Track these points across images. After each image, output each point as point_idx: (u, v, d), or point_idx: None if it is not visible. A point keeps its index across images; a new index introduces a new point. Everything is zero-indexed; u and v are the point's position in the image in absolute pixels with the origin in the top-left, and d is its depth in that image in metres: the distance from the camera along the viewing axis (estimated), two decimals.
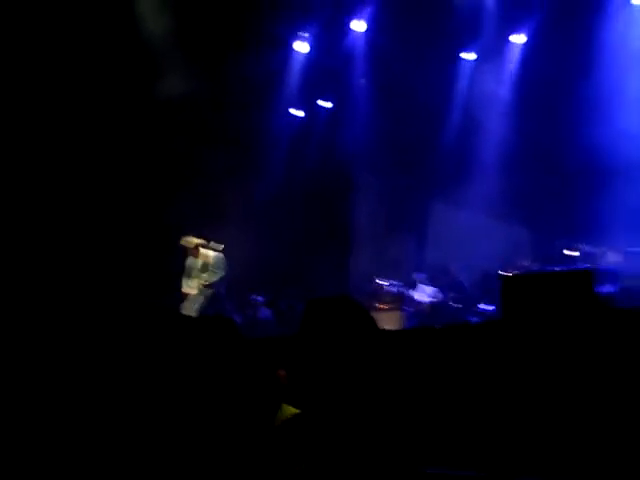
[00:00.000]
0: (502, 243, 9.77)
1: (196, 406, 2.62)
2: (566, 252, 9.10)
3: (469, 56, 11.08)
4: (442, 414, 4.18)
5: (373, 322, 2.23)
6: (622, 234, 8.52)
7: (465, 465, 3.84)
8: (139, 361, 3.16)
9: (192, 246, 8.18)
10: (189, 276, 8.16)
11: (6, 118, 8.00)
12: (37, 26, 8.20)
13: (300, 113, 11.98)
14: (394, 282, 10.39)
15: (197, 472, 2.49)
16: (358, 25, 11.00)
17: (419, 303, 9.83)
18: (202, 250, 8.17)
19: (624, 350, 3.90)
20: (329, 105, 12.14)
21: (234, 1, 9.96)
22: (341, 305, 2.30)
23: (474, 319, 8.77)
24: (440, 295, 9.76)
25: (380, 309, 9.71)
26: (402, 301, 9.85)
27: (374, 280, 10.56)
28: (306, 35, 11.07)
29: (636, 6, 9.73)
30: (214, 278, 8.07)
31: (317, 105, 12.07)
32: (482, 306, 8.91)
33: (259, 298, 10.27)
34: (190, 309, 7.92)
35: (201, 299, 8.07)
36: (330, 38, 11.07)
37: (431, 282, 10.08)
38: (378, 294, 10.19)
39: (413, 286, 10.04)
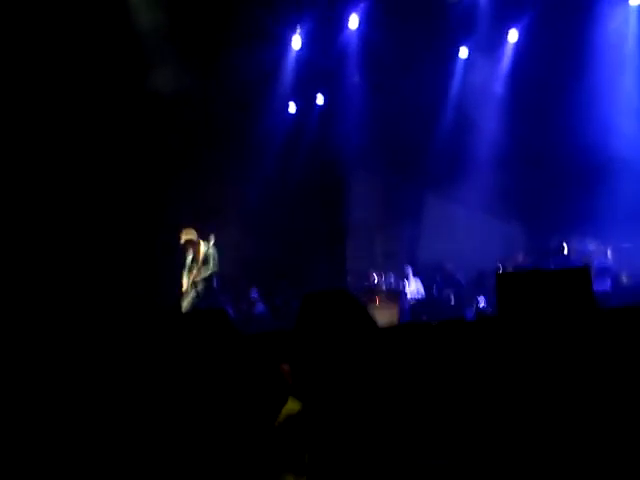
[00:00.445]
0: (496, 239, 9.81)
1: (197, 402, 2.60)
2: (560, 248, 9.15)
3: (462, 54, 11.11)
4: (438, 409, 4.18)
5: (370, 317, 2.22)
6: (615, 230, 8.58)
7: (460, 459, 3.85)
8: (135, 358, 3.14)
9: (183, 241, 8.13)
10: (184, 272, 8.14)
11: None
12: (29, 19, 8.11)
13: (292, 109, 11.96)
14: (389, 277, 10.42)
15: (202, 468, 2.47)
16: (351, 22, 10.98)
17: (414, 298, 9.87)
18: (193, 245, 8.12)
19: (619, 348, 3.92)
20: (322, 102, 12.13)
21: None
22: (338, 299, 2.29)
23: (470, 315, 8.80)
24: (434, 290, 9.80)
25: (376, 304, 9.73)
26: (398, 296, 9.88)
27: (369, 275, 10.58)
28: (299, 31, 11.04)
29: (629, 5, 9.78)
30: (206, 273, 8.03)
31: (310, 102, 12.04)
32: (478, 302, 8.95)
33: (254, 294, 10.24)
34: (183, 305, 7.89)
35: (193, 294, 8.02)
36: (323, 34, 11.05)
37: (426, 278, 10.11)
38: (373, 289, 10.22)
39: (406, 281, 10.07)
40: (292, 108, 11.96)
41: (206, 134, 10.14)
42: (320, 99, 12.12)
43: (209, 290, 8.05)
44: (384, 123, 10.91)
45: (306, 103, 12.00)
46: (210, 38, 9.80)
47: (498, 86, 10.67)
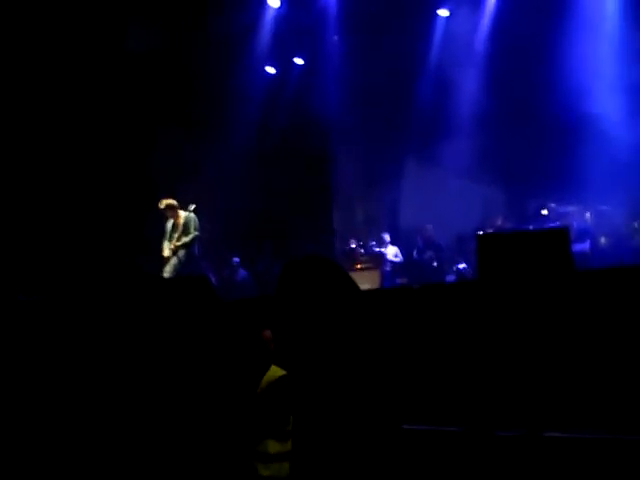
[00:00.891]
0: (476, 202, 9.84)
1: (179, 367, 2.61)
2: (539, 210, 9.23)
3: (443, 12, 10.97)
4: (421, 372, 4.25)
5: (351, 281, 2.22)
6: (594, 193, 8.65)
7: (445, 421, 3.93)
8: (118, 328, 3.12)
9: (163, 206, 8.03)
10: (165, 238, 8.07)
11: None
12: None
13: (272, 70, 11.77)
14: (371, 242, 10.45)
15: (185, 434, 2.49)
16: None
17: (392, 261, 9.94)
18: (174, 211, 8.04)
19: (597, 308, 4.00)
20: (302, 62, 11.95)
21: None
22: (318, 265, 2.29)
23: (451, 278, 8.88)
24: (414, 253, 9.86)
25: (358, 269, 9.78)
26: (380, 260, 9.92)
27: (351, 240, 10.61)
28: None
29: None
30: (186, 239, 7.96)
31: (289, 61, 11.85)
32: (458, 265, 9.02)
33: (236, 259, 10.20)
34: (165, 271, 7.84)
35: (174, 261, 7.97)
36: None
37: (406, 241, 10.16)
38: (356, 254, 10.25)
39: (385, 245, 10.12)
40: (271, 69, 11.77)
41: (182, 94, 9.93)
42: (299, 60, 11.93)
43: (190, 256, 7.99)
44: (363, 83, 10.78)
45: (285, 62, 11.81)
46: None
47: (479, 45, 10.57)
